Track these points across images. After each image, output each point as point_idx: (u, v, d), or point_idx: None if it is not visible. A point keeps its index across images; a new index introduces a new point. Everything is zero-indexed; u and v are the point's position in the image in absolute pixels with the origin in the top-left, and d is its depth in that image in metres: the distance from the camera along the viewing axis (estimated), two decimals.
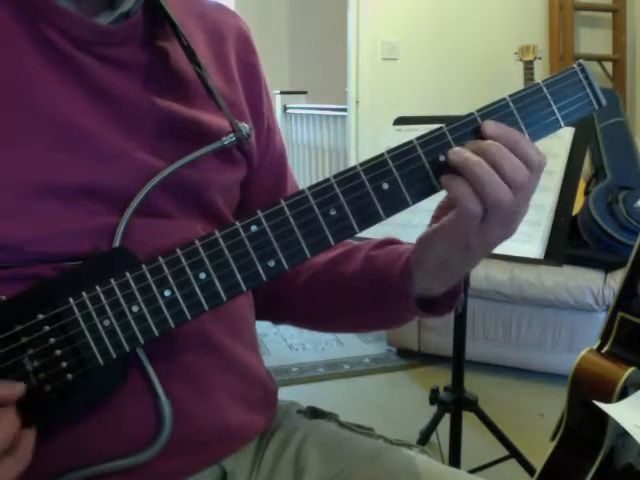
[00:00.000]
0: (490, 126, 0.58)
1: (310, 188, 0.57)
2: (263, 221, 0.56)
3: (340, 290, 0.74)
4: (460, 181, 0.57)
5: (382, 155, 0.58)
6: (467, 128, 0.58)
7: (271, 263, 0.57)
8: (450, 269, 0.65)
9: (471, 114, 0.59)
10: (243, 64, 0.76)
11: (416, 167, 0.58)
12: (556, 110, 0.60)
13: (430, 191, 0.59)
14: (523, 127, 0.59)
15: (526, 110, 0.59)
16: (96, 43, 0.62)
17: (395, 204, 0.58)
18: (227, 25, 0.76)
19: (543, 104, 0.59)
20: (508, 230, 0.60)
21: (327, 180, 0.57)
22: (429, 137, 0.58)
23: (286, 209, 0.57)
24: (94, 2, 0.64)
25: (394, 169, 0.58)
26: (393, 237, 0.75)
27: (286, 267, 0.57)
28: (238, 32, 0.77)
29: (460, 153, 0.57)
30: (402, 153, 0.58)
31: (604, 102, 0.61)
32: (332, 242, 0.57)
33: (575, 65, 0.61)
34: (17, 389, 0.53)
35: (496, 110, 0.59)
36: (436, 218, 0.65)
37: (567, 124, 0.60)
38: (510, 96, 0.59)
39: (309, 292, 0.77)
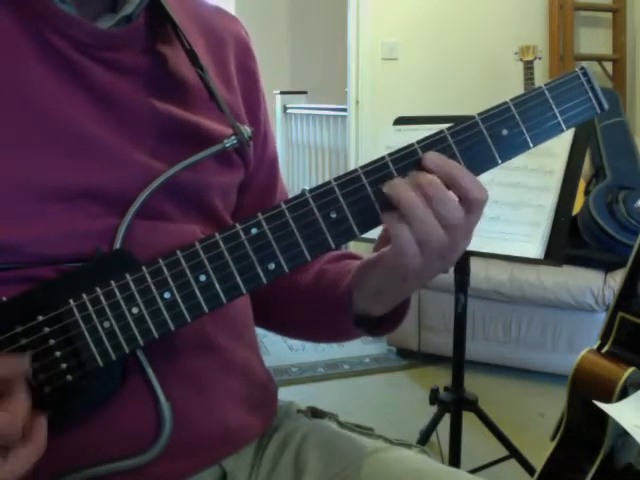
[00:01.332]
0: (430, 159, 0.57)
1: (311, 191, 0.57)
2: (263, 223, 0.56)
3: (294, 301, 0.77)
4: (402, 225, 0.56)
5: (383, 158, 0.58)
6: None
7: (271, 266, 0.57)
8: (386, 296, 0.67)
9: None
10: (242, 70, 0.76)
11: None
12: (558, 114, 0.59)
13: None
14: (525, 130, 0.59)
15: (528, 114, 0.59)
16: (97, 47, 0.62)
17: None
18: (227, 30, 0.77)
19: (545, 108, 0.59)
20: (446, 264, 0.60)
21: (328, 183, 0.57)
22: (430, 140, 0.58)
23: (286, 212, 0.57)
24: (95, 5, 0.64)
25: (394, 172, 0.57)
26: (352, 251, 0.78)
27: (286, 269, 0.57)
28: (237, 37, 0.77)
29: (396, 188, 0.56)
30: (404, 155, 0.58)
31: (606, 106, 0.61)
32: (332, 245, 0.57)
33: (577, 69, 0.60)
34: (24, 363, 0.52)
35: (498, 114, 0.59)
36: (377, 248, 0.66)
37: (569, 128, 0.60)
38: (512, 100, 0.59)
39: (272, 298, 0.78)
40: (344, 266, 0.73)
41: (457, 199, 0.57)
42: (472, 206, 0.57)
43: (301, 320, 0.79)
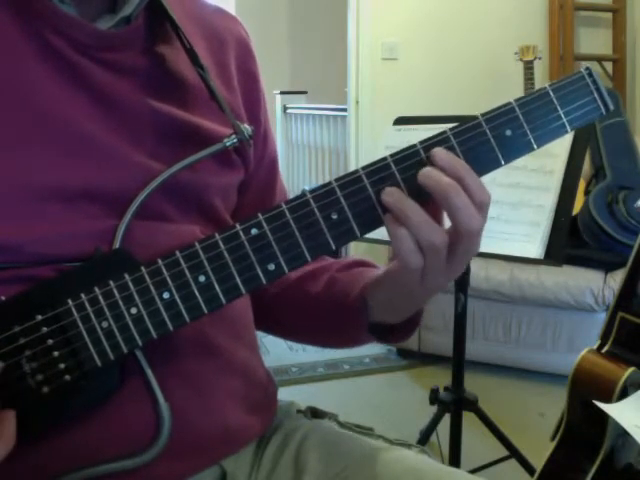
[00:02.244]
0: (439, 156, 0.56)
1: (311, 191, 0.57)
2: (264, 224, 0.56)
3: (303, 309, 0.77)
4: (404, 234, 0.55)
5: (385, 159, 0.57)
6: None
7: (271, 266, 0.56)
8: (397, 308, 0.67)
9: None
10: (242, 70, 0.76)
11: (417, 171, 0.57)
12: (562, 115, 0.58)
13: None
14: (528, 132, 0.58)
15: (532, 115, 0.58)
16: (97, 47, 0.62)
17: None
18: (227, 31, 0.77)
19: (549, 109, 0.58)
20: (453, 275, 0.60)
21: (329, 184, 0.57)
22: (433, 140, 0.58)
23: (287, 212, 0.56)
24: (95, 6, 0.64)
25: (397, 173, 0.57)
26: (364, 259, 0.78)
27: (286, 270, 0.57)
28: (238, 38, 0.77)
29: (395, 194, 0.56)
30: (406, 156, 0.57)
31: (611, 107, 0.60)
32: (333, 246, 0.57)
33: (582, 69, 0.60)
34: None
35: (502, 114, 0.58)
36: (391, 260, 0.66)
37: (573, 129, 0.59)
38: (516, 100, 0.58)
39: (277, 305, 0.78)
40: (355, 274, 0.73)
41: None
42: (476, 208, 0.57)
43: (309, 325, 0.78)
